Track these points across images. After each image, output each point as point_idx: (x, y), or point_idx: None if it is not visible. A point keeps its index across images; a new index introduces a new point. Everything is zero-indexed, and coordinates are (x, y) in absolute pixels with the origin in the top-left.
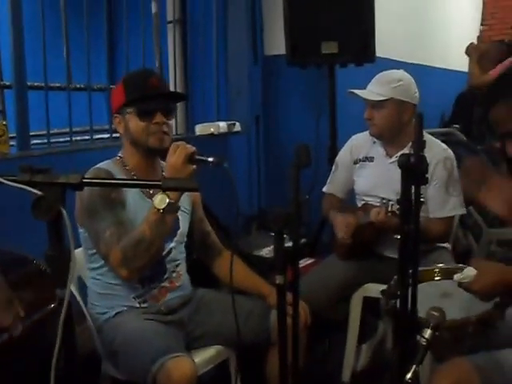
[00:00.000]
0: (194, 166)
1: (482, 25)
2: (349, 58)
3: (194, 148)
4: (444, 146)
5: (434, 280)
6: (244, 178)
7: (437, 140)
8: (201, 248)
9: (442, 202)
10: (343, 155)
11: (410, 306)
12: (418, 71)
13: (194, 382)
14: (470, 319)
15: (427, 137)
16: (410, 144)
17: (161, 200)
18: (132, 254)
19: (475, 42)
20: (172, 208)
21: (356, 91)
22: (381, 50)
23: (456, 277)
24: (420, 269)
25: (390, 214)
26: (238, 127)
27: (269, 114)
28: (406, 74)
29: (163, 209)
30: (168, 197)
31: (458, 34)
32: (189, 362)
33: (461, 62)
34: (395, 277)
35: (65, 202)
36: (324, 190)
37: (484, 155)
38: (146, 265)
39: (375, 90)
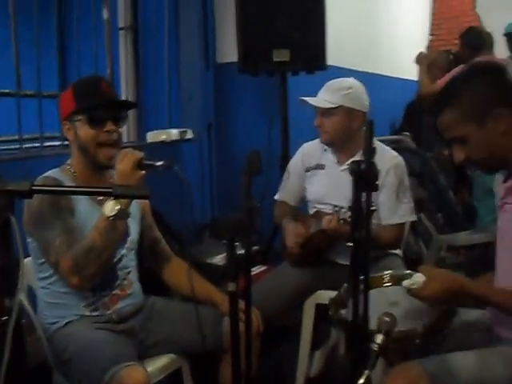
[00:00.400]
0: (143, 172)
1: (430, 35)
2: (300, 66)
3: (141, 154)
4: (394, 153)
5: (383, 286)
6: (196, 185)
7: (387, 147)
8: (150, 255)
9: (392, 209)
10: (295, 163)
11: (360, 314)
12: (369, 79)
13: None
14: (417, 330)
15: (377, 144)
16: (361, 151)
17: (110, 207)
18: (83, 261)
19: (425, 51)
20: (122, 214)
21: (306, 99)
22: (332, 59)
23: (405, 283)
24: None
25: (341, 221)
26: (189, 134)
27: (221, 122)
28: (356, 81)
29: (113, 216)
30: (118, 203)
31: (407, 44)
32: (141, 371)
33: (410, 71)
34: (344, 285)
35: (13, 210)
36: (276, 197)
37: (434, 162)
38: (97, 272)
39: (325, 97)
